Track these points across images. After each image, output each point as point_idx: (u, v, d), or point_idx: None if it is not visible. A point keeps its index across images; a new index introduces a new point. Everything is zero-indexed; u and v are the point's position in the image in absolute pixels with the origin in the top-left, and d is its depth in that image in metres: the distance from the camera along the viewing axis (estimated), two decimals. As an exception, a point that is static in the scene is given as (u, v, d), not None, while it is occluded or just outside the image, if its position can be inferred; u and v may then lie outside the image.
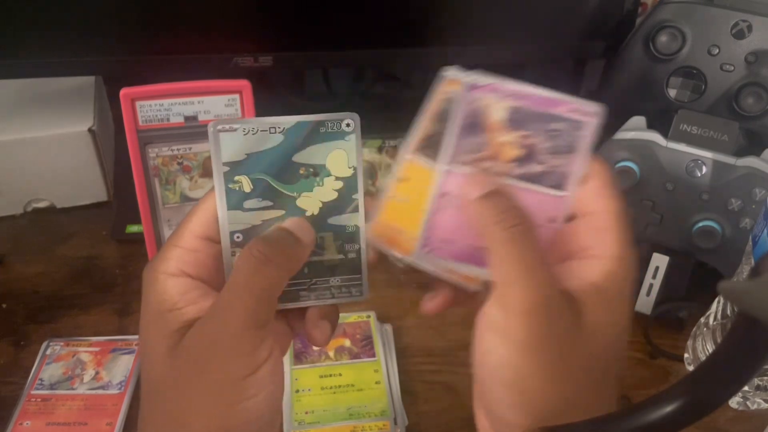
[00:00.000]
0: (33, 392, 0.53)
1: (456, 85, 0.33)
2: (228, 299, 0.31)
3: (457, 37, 0.67)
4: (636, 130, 0.60)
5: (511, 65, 0.82)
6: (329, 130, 0.33)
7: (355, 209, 0.34)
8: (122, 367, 0.55)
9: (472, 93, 0.32)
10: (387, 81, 0.84)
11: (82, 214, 0.71)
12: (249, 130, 0.32)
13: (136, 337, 0.58)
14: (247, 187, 0.33)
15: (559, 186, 0.33)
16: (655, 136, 0.58)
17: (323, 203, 0.34)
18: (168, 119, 0.56)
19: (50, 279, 0.64)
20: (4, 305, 0.61)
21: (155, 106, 0.55)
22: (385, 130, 0.65)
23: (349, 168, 0.34)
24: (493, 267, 0.31)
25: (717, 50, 0.61)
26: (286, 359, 0.56)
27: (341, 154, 0.34)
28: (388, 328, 0.59)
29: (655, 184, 0.59)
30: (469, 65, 0.33)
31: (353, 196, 0.34)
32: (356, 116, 0.34)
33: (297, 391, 0.54)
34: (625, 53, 0.65)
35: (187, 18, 0.63)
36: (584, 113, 0.33)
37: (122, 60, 0.64)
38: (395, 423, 0.52)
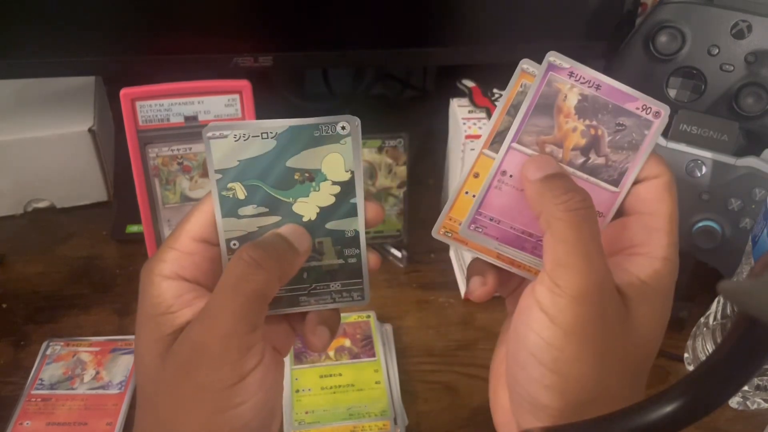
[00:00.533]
0: (33, 392, 0.53)
1: (531, 78, 0.33)
2: (216, 304, 0.31)
3: (457, 37, 0.67)
4: (636, 130, 0.60)
5: (510, 65, 0.82)
6: (323, 133, 0.33)
7: (354, 213, 0.34)
8: (122, 367, 0.55)
9: (550, 73, 0.32)
10: (387, 81, 0.84)
11: (82, 214, 0.71)
12: (240, 136, 0.32)
13: (136, 337, 0.58)
14: (241, 194, 0.33)
15: (615, 182, 0.33)
16: (655, 136, 0.58)
17: (320, 208, 0.34)
18: (168, 119, 0.56)
19: (50, 279, 0.64)
20: (4, 305, 0.61)
21: (155, 106, 0.55)
22: (385, 130, 0.65)
23: (346, 172, 0.33)
24: (548, 247, 0.31)
25: (717, 50, 0.61)
26: (287, 359, 0.56)
27: (337, 158, 0.33)
28: (388, 328, 0.59)
29: (655, 184, 0.59)
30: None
31: (351, 200, 0.34)
32: (353, 119, 0.33)
33: (297, 391, 0.54)
34: (625, 53, 0.65)
35: (187, 18, 0.63)
36: (652, 112, 0.33)
37: (122, 60, 0.64)
38: (395, 423, 0.52)
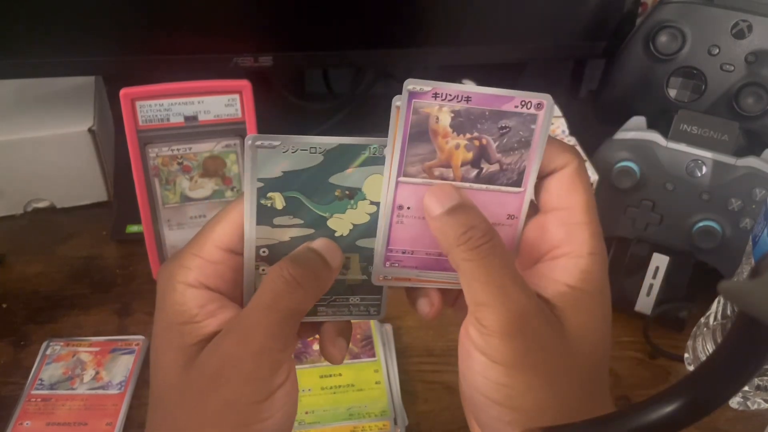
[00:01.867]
0: (33, 392, 0.53)
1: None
2: (252, 319, 0.30)
3: (456, 37, 0.67)
4: (636, 130, 0.60)
5: (511, 65, 0.82)
6: (371, 154, 0.32)
7: None
8: (122, 367, 0.55)
9: (414, 101, 0.31)
10: (387, 81, 0.84)
11: (82, 214, 0.71)
12: (288, 149, 0.31)
13: (137, 337, 0.58)
14: (280, 204, 0.32)
15: (516, 183, 0.33)
16: (655, 136, 0.58)
17: (354, 225, 0.33)
18: (168, 119, 0.56)
19: (50, 279, 0.64)
20: (4, 305, 0.61)
21: (155, 106, 0.55)
22: (385, 131, 0.65)
23: None
24: (463, 287, 0.31)
25: (717, 50, 0.61)
26: (286, 359, 0.56)
27: (379, 179, 0.33)
28: (388, 328, 0.59)
29: (655, 184, 0.59)
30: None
31: None
32: None
33: (297, 391, 0.54)
34: (625, 53, 0.65)
35: (187, 18, 0.63)
36: (533, 105, 0.32)
37: (122, 60, 0.64)
38: (395, 423, 0.52)
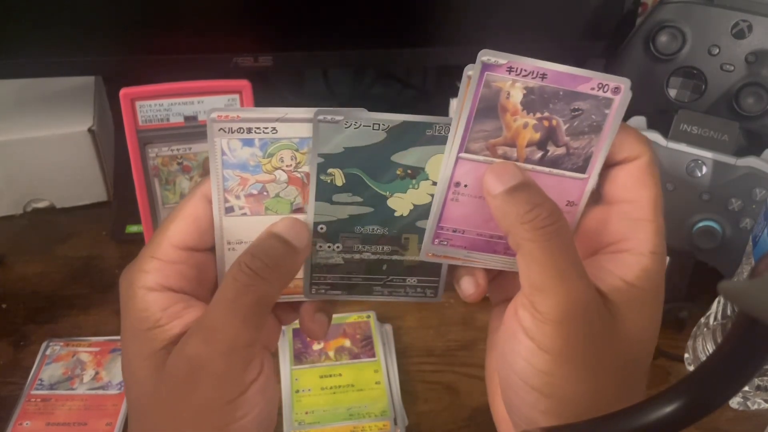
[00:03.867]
0: (33, 392, 0.53)
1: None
2: (215, 317, 0.29)
3: (456, 37, 0.67)
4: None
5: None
6: (436, 132, 0.31)
7: None
8: (122, 367, 0.55)
9: (486, 74, 0.30)
10: (387, 81, 0.84)
11: (82, 214, 0.71)
12: (351, 124, 0.30)
13: (136, 337, 0.58)
14: (340, 180, 0.31)
15: (580, 169, 0.31)
16: (655, 136, 0.58)
17: (415, 205, 0.32)
18: (168, 119, 0.56)
19: (50, 279, 0.64)
20: (3, 305, 0.61)
21: (155, 106, 0.55)
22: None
23: None
24: (522, 268, 0.29)
25: (717, 50, 0.61)
26: (286, 359, 0.56)
27: (442, 159, 0.32)
28: (388, 328, 0.59)
29: (655, 184, 0.58)
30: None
31: None
32: None
33: (297, 391, 0.54)
34: (625, 53, 0.65)
35: (187, 18, 0.63)
36: (610, 89, 0.31)
37: (122, 60, 0.64)
38: (395, 423, 0.52)
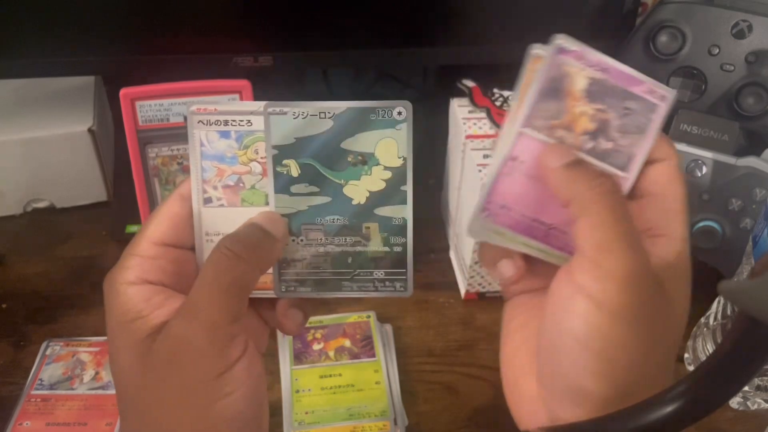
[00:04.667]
0: (33, 392, 0.53)
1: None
2: (197, 296, 0.31)
3: (457, 37, 0.67)
4: (636, 130, 0.59)
5: (511, 65, 0.82)
6: (380, 117, 0.32)
7: (404, 201, 0.33)
8: (122, 367, 0.55)
9: (558, 56, 0.31)
10: (387, 81, 0.84)
11: (81, 214, 0.71)
12: (299, 114, 0.32)
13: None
14: (295, 171, 0.32)
15: (623, 167, 0.33)
16: (655, 136, 0.58)
17: (371, 192, 0.33)
18: (168, 119, 0.56)
19: (50, 279, 0.64)
20: (4, 305, 0.61)
21: (155, 106, 0.55)
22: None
23: (399, 158, 0.33)
24: (585, 232, 0.30)
25: (717, 50, 0.61)
26: (286, 360, 0.56)
27: (391, 143, 0.33)
28: (388, 328, 0.59)
29: (655, 184, 0.58)
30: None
31: (402, 188, 0.33)
32: (408, 104, 0.33)
33: (297, 391, 0.54)
34: (625, 53, 0.64)
35: (187, 18, 0.63)
36: (658, 96, 0.32)
37: (122, 60, 0.64)
38: (395, 423, 0.52)
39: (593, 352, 0.30)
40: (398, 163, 0.33)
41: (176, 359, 0.30)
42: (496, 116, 0.60)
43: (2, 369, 0.56)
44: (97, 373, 0.55)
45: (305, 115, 0.32)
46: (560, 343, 0.31)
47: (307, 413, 0.52)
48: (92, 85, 0.72)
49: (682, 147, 0.57)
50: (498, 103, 0.61)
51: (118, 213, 0.69)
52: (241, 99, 0.56)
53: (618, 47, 0.65)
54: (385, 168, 0.33)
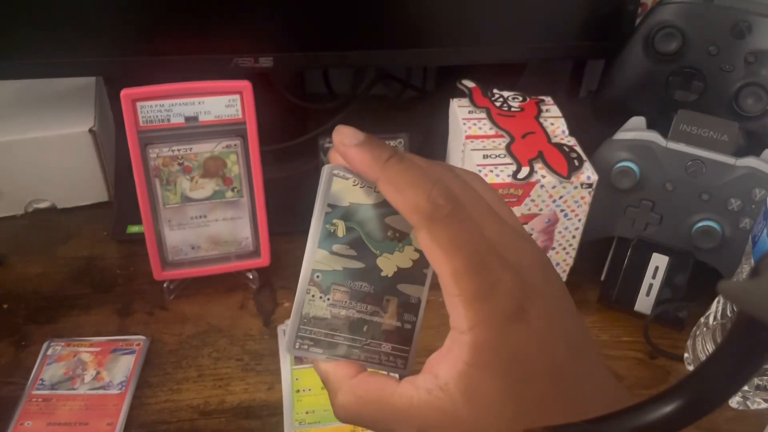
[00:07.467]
0: (34, 392, 0.53)
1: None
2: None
3: (457, 37, 0.67)
4: (636, 130, 0.60)
5: (511, 65, 0.82)
6: None
7: (423, 282, 0.35)
8: (123, 367, 0.55)
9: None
10: (387, 81, 0.84)
11: (82, 215, 0.71)
12: (359, 183, 0.33)
13: (137, 337, 0.58)
14: (341, 232, 0.34)
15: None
16: (655, 136, 0.58)
17: (398, 268, 0.35)
18: (169, 120, 0.56)
19: (51, 279, 0.64)
20: (5, 306, 0.61)
21: (156, 106, 0.55)
22: (385, 131, 0.65)
23: None
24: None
25: (717, 50, 0.61)
26: (287, 359, 0.56)
27: None
28: (389, 328, 0.59)
29: (655, 184, 0.59)
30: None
31: (424, 270, 0.35)
32: None
33: (298, 391, 0.54)
34: (625, 53, 0.65)
35: (187, 19, 0.63)
36: None
37: (123, 60, 0.64)
38: (396, 423, 0.52)
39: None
40: None
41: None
42: (496, 116, 0.60)
43: (3, 369, 0.56)
44: (98, 372, 0.55)
45: (363, 184, 0.33)
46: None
47: (307, 413, 0.52)
48: (93, 86, 0.72)
49: (681, 147, 0.58)
50: (498, 104, 0.61)
51: (119, 213, 0.69)
52: (242, 99, 0.56)
53: (618, 47, 0.66)
54: (415, 249, 0.34)
